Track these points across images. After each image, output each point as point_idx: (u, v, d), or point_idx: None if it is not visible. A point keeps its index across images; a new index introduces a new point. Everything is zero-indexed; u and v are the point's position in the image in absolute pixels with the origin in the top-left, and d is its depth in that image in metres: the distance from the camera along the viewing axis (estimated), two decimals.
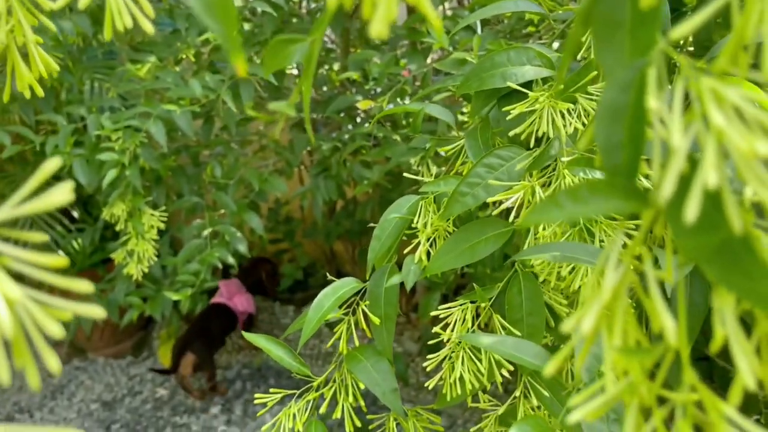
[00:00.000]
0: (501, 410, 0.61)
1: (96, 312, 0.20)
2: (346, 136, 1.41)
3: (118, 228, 1.32)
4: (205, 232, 1.34)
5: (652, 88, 0.23)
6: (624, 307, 0.24)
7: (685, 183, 0.23)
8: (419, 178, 0.71)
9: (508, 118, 0.60)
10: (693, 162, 0.24)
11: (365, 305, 0.66)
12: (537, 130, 0.58)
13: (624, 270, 0.24)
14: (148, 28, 0.35)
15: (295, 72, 1.59)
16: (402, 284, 0.65)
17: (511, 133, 0.60)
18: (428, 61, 1.38)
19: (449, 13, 1.52)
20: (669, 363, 0.25)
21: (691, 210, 0.21)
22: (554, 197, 0.25)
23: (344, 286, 0.66)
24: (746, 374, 0.21)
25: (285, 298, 2.03)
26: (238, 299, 1.82)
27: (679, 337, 0.24)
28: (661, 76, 0.25)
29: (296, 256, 1.88)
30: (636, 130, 0.24)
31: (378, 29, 0.24)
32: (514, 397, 0.59)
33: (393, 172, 1.34)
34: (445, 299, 1.27)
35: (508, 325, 0.59)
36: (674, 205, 0.23)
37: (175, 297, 1.28)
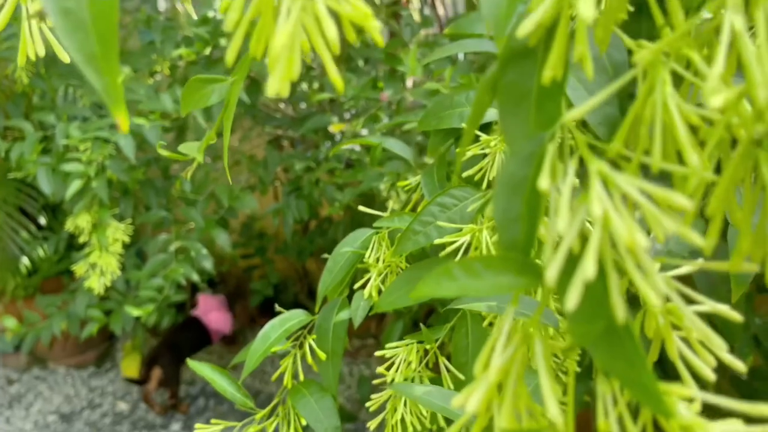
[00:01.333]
0: None
1: None
2: (321, 156, 1.40)
3: (81, 240, 1.29)
4: (172, 247, 1.31)
5: (547, 167, 0.22)
6: (514, 383, 0.23)
7: (575, 262, 0.22)
8: (380, 214, 0.70)
9: (461, 159, 0.59)
10: (585, 241, 0.23)
11: (312, 339, 0.65)
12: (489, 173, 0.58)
13: (515, 348, 0.24)
14: (64, 57, 0.34)
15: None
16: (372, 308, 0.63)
17: (463, 175, 0.59)
18: (408, 84, 1.38)
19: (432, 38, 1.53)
20: None
21: (571, 300, 0.20)
22: (448, 268, 0.24)
23: (292, 319, 0.65)
24: None
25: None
26: (214, 316, 1.78)
27: (566, 425, 0.23)
28: (564, 150, 0.24)
29: (267, 273, 1.86)
30: (534, 204, 0.23)
31: (275, 88, 0.23)
32: None
33: (365, 194, 1.33)
34: (415, 325, 1.25)
35: (453, 368, 0.58)
36: (565, 289, 0.22)
37: (136, 313, 1.25)
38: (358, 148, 1.32)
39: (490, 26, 0.25)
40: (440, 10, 1.64)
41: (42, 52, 0.32)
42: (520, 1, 0.25)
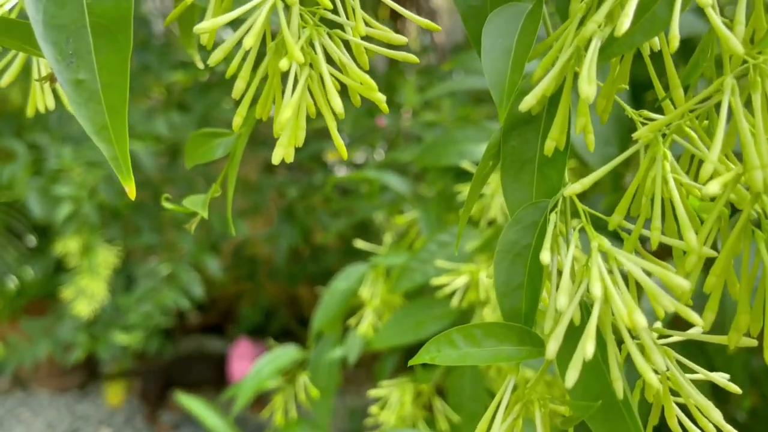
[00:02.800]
0: None
1: None
2: (317, 182, 1.40)
3: (71, 263, 1.28)
4: (162, 273, 1.30)
5: (549, 239, 0.22)
6: None
7: (578, 334, 0.22)
8: (376, 248, 0.70)
9: (459, 197, 0.60)
10: (587, 312, 0.23)
11: (306, 376, 0.64)
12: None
13: (515, 416, 0.24)
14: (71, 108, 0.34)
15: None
16: None
17: (461, 213, 0.60)
18: (405, 114, 1.39)
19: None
20: None
21: (571, 378, 0.20)
22: (449, 335, 0.24)
23: (284, 354, 0.64)
24: None
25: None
26: (242, 366, 1.71)
27: None
28: (566, 220, 0.25)
29: (258, 298, 1.84)
30: (536, 274, 0.24)
31: (280, 154, 0.23)
32: None
33: (360, 223, 1.33)
34: (407, 356, 1.24)
35: (448, 408, 0.58)
36: (564, 360, 0.22)
37: (124, 340, 1.24)
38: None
39: (494, 94, 0.25)
40: (439, 38, 1.66)
41: (52, 107, 0.32)
42: (522, 72, 0.26)
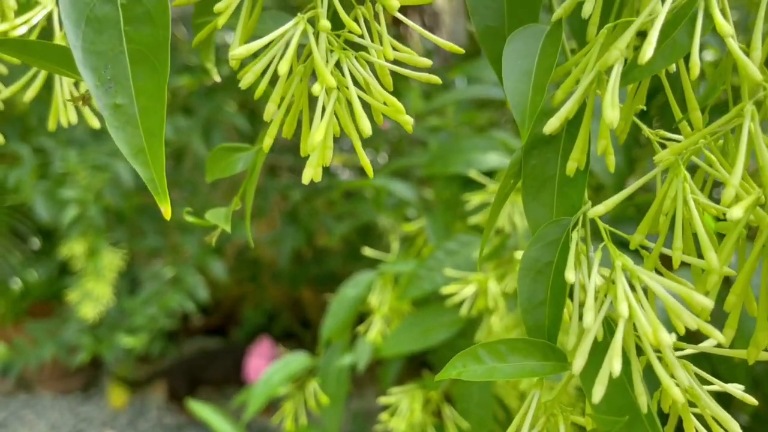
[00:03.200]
0: None
1: None
2: (320, 185, 1.41)
3: (76, 266, 1.28)
4: (166, 275, 1.31)
5: (572, 258, 0.23)
6: None
7: (601, 349, 0.23)
8: (383, 255, 0.70)
9: (467, 207, 0.60)
10: (610, 329, 0.24)
11: (316, 382, 0.65)
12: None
13: (539, 430, 0.24)
14: (94, 124, 0.35)
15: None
16: None
17: (470, 222, 0.60)
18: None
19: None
20: None
21: (597, 394, 0.21)
22: (474, 350, 0.24)
23: (294, 361, 0.65)
24: None
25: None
26: (258, 364, 1.70)
27: None
28: (587, 238, 0.25)
29: (260, 300, 1.85)
30: (558, 291, 0.24)
31: (309, 174, 0.24)
32: None
33: (364, 226, 1.33)
34: (412, 360, 1.25)
35: (458, 415, 0.59)
36: (588, 375, 0.23)
37: (129, 343, 1.24)
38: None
39: (516, 116, 0.26)
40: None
41: (75, 122, 0.32)
42: (544, 94, 0.26)
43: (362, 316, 0.68)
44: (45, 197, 1.26)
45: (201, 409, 0.66)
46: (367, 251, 0.71)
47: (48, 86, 0.37)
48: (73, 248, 1.28)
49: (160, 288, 1.31)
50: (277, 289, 1.88)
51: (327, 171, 1.50)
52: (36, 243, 1.77)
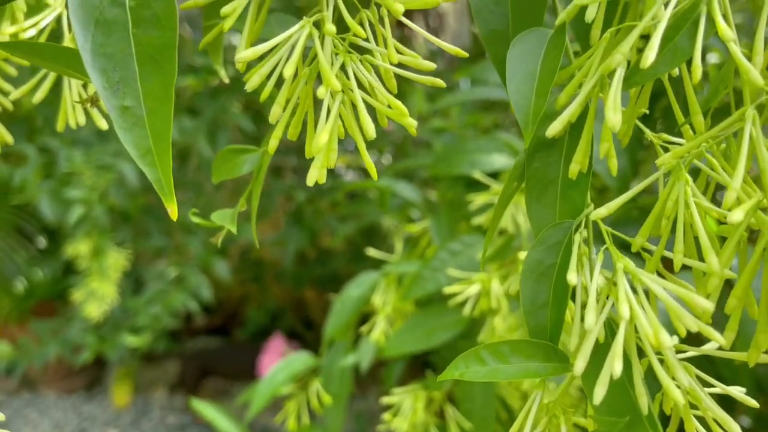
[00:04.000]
0: None
1: None
2: (324, 186, 1.41)
3: (81, 266, 1.29)
4: (170, 275, 1.31)
5: (574, 260, 0.23)
6: None
7: (602, 351, 0.23)
8: (387, 256, 0.71)
9: (471, 207, 0.60)
10: (611, 331, 0.24)
11: (319, 382, 0.65)
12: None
13: (540, 431, 0.24)
14: (102, 125, 0.35)
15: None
16: None
17: (474, 223, 0.61)
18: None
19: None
20: None
21: (598, 395, 0.21)
22: (477, 351, 0.25)
23: (297, 361, 0.65)
24: None
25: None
26: (270, 360, 1.71)
27: None
28: (589, 240, 0.25)
29: (263, 301, 1.85)
30: (561, 292, 0.24)
31: (314, 176, 0.24)
32: None
33: (367, 227, 1.34)
34: (415, 361, 1.25)
35: (460, 415, 0.59)
36: (589, 376, 0.23)
37: (133, 342, 1.25)
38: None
39: (519, 119, 0.26)
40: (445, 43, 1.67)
41: (83, 123, 0.33)
42: (547, 97, 0.26)
43: (365, 316, 0.69)
44: (50, 197, 1.27)
45: (204, 407, 0.66)
46: (371, 252, 0.71)
47: (54, 87, 0.37)
48: (78, 248, 1.29)
49: (164, 288, 1.31)
50: (280, 290, 1.88)
51: (331, 172, 1.50)
52: (41, 242, 1.78)
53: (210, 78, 1.33)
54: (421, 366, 0.75)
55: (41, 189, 1.26)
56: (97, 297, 1.28)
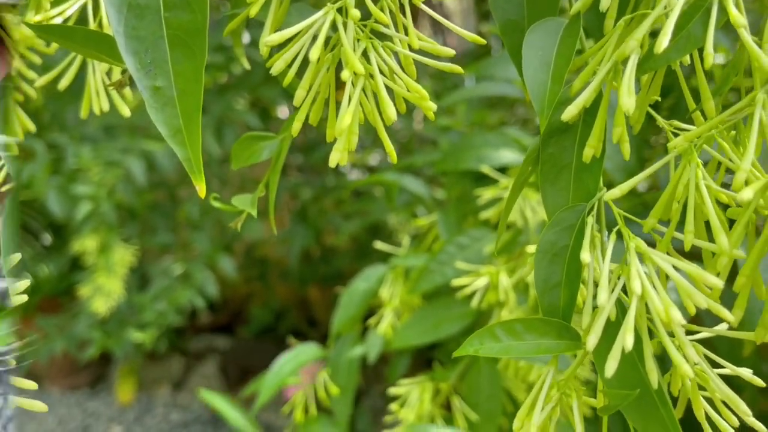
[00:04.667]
0: None
1: None
2: (330, 183, 1.42)
3: (88, 262, 1.30)
4: (176, 271, 1.32)
5: (587, 241, 0.24)
6: None
7: (614, 328, 0.24)
8: (394, 250, 0.71)
9: (478, 202, 0.61)
10: (622, 309, 0.25)
11: (326, 374, 0.66)
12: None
13: (552, 406, 0.25)
14: (125, 111, 0.36)
15: (279, 115, 1.61)
16: None
17: (481, 217, 0.61)
18: (418, 117, 1.41)
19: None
20: None
21: (610, 369, 0.22)
22: (491, 328, 0.25)
23: (305, 352, 0.66)
24: None
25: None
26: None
27: None
28: (601, 222, 0.26)
29: (268, 299, 1.86)
30: (574, 273, 0.25)
31: (336, 158, 0.25)
32: None
33: (372, 224, 1.34)
34: (419, 356, 1.25)
35: (467, 407, 0.59)
36: (601, 352, 0.24)
37: (139, 338, 1.26)
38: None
39: (534, 104, 0.27)
40: (451, 41, 1.68)
41: (107, 109, 0.34)
42: (562, 84, 0.27)
43: (372, 310, 0.69)
44: (58, 193, 1.28)
45: (213, 398, 0.67)
46: (379, 245, 0.72)
47: (56, 82, 0.38)
48: (86, 244, 1.30)
49: (170, 284, 1.32)
50: (284, 288, 1.89)
51: (336, 170, 1.51)
52: (47, 238, 1.79)
53: (218, 75, 1.34)
54: (425, 363, 0.76)
55: (49, 185, 1.27)
56: (104, 293, 1.29)
